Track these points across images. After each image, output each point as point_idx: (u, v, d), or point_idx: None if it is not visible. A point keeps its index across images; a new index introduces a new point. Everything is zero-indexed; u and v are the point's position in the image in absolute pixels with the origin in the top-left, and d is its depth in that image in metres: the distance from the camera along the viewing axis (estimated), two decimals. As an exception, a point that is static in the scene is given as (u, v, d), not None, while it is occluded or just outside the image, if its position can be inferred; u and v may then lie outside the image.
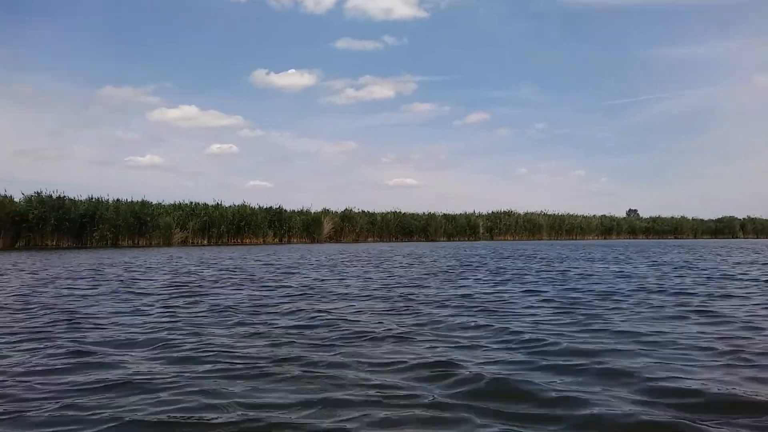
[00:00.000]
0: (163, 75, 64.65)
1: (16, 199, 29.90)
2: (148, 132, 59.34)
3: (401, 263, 15.22)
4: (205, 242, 36.83)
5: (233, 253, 22.28)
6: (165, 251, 25.78)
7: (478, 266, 13.69)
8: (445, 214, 53.44)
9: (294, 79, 61.75)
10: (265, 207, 41.07)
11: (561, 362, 3.64)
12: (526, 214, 59.07)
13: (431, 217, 52.11)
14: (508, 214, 58.10)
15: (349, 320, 5.42)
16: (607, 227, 65.88)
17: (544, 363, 3.63)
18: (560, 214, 61.78)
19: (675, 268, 12.54)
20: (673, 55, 69.31)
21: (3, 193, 29.62)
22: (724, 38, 68.87)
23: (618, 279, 9.82)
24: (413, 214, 51.42)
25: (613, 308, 6.15)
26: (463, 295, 7.41)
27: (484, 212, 57.57)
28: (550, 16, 69.33)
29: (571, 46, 71.70)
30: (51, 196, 30.69)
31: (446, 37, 70.47)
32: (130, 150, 59.20)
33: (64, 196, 31.29)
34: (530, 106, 74.50)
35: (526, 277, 10.50)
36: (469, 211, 56.43)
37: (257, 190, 62.65)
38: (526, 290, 8.04)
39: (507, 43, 71.05)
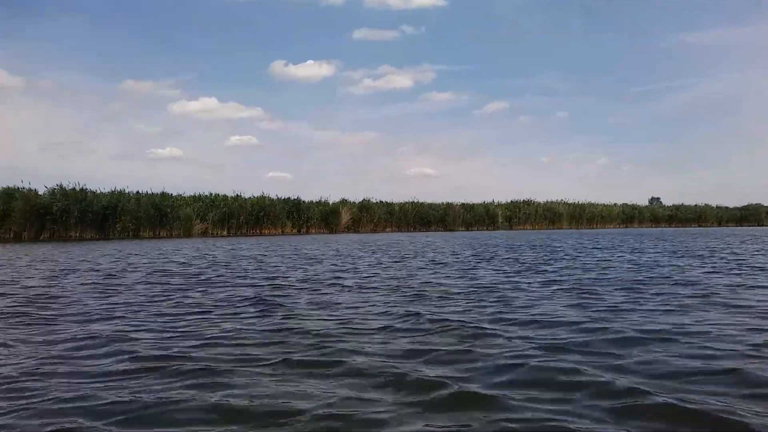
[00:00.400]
0: (184, 68, 65.18)
1: (40, 193, 30.56)
2: (169, 125, 60.06)
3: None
4: (225, 233, 37.22)
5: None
6: (190, 242, 26.12)
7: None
8: (463, 204, 53.29)
9: (312, 70, 61.81)
10: (283, 198, 41.36)
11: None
12: (545, 203, 58.57)
13: (449, 206, 51.96)
14: (528, 203, 57.65)
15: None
16: (628, 216, 64.98)
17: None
18: (581, 202, 61.16)
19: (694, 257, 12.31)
20: (698, 41, 67.78)
21: (27, 187, 30.35)
22: (750, 24, 67.02)
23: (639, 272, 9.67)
24: (431, 203, 51.36)
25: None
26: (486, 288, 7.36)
27: (503, 201, 57.26)
28: (571, 2, 68.20)
29: (593, 32, 70.48)
30: (74, 189, 31.29)
31: (465, 25, 69.78)
32: (151, 143, 59.98)
33: (87, 189, 31.88)
34: (552, 94, 73.60)
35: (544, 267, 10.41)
36: (488, 200, 56.19)
37: (276, 181, 63.08)
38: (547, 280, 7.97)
39: (527, 31, 70.14)
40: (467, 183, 74.55)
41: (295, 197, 42.11)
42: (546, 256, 12.80)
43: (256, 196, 39.99)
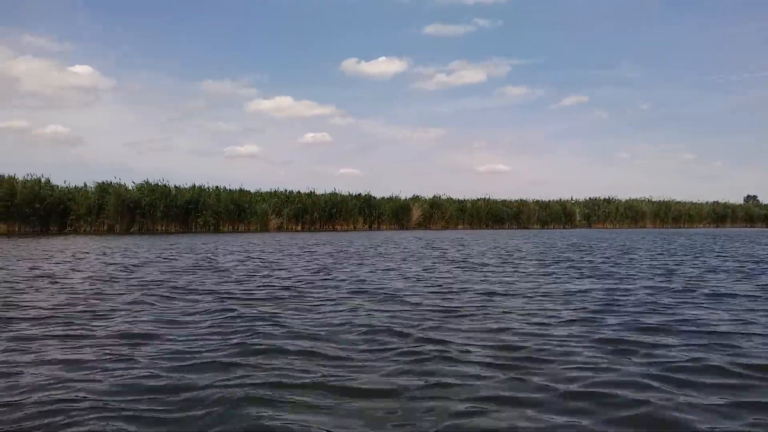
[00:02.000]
0: (259, 67, 67.39)
1: (129, 188, 32.61)
2: (246, 123, 62.35)
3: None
4: (299, 228, 38.19)
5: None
6: (272, 236, 27.05)
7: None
8: (537, 201, 51.76)
9: (384, 66, 62.15)
10: (355, 194, 41.86)
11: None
12: (627, 200, 55.80)
13: (523, 204, 50.66)
14: (608, 200, 55.18)
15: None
16: (720, 214, 60.64)
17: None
18: (666, 200, 57.76)
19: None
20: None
21: (118, 182, 32.49)
22: None
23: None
24: (504, 200, 50.26)
25: None
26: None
27: (581, 199, 55.11)
28: (654, -13, 64.38)
29: (674, 19, 66.29)
30: (159, 184, 33.18)
31: (540, 17, 67.73)
32: (229, 140, 62.53)
33: (170, 185, 33.72)
34: (632, 85, 69.98)
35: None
36: (565, 197, 54.28)
37: (348, 178, 63.93)
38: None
39: (604, 21, 67.06)
40: (542, 179, 72.31)
41: (367, 193, 42.54)
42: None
43: (328, 192, 40.77)
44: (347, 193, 41.48)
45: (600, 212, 53.75)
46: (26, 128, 50.39)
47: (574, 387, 2.97)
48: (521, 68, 67.20)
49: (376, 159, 67.72)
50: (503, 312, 5.19)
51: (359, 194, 42.08)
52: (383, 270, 9.35)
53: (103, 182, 32.21)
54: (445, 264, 10.57)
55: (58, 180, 31.98)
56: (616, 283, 7.32)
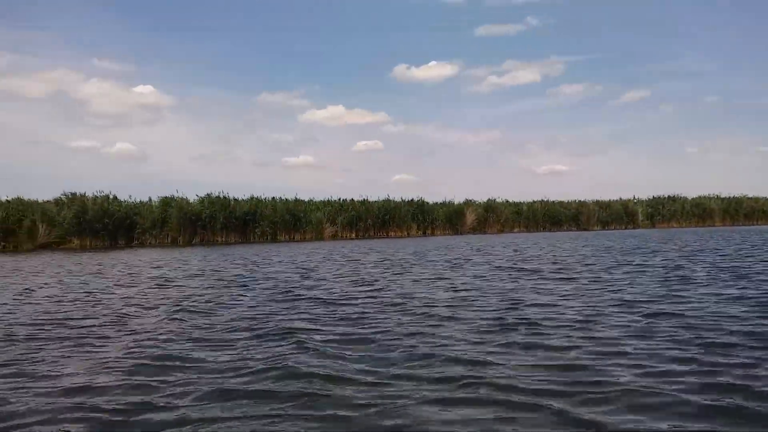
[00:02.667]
0: (312, 78, 68.73)
1: (191, 200, 33.96)
2: (301, 133, 63.60)
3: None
4: (353, 236, 38.59)
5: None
6: (328, 244, 27.50)
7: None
8: (597, 201, 50.15)
9: (435, 71, 61.94)
10: (407, 200, 41.91)
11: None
12: (694, 198, 53.17)
13: (582, 205, 49.23)
14: (673, 198, 52.76)
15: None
16: (798, 210, 56.72)
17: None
18: (737, 196, 54.60)
19: None
20: None
21: (181, 196, 33.90)
22: None
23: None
24: (562, 202, 49.06)
25: None
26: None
27: (644, 198, 52.99)
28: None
29: (741, 6, 62.65)
30: (219, 197, 34.37)
31: (595, 11, 65.68)
32: (285, 150, 63.92)
33: (229, 197, 34.85)
34: (698, 77, 66.57)
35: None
36: (628, 197, 52.33)
37: (401, 184, 63.96)
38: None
39: (665, 11, 64.26)
40: (603, 179, 69.85)
41: (420, 199, 42.51)
42: None
43: (381, 199, 41.00)
44: (400, 200, 41.64)
45: (665, 211, 51.47)
46: (96, 147, 53.44)
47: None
48: (576, 65, 65.56)
49: (429, 164, 67.49)
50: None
51: (412, 200, 42.12)
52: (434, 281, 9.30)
53: (167, 196, 33.73)
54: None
55: (125, 195, 33.75)
56: None
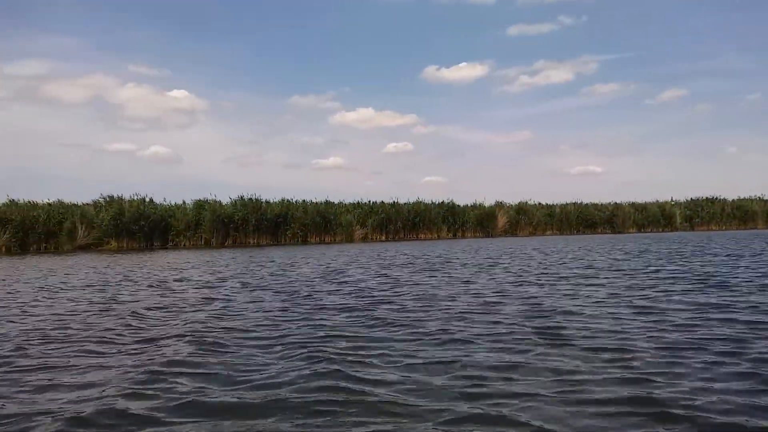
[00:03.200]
0: (342, 81, 68.88)
1: (224, 203, 34.47)
2: (331, 135, 63.91)
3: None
4: (383, 238, 38.57)
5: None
6: (359, 246, 27.57)
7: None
8: (632, 203, 49.03)
9: (465, 72, 61.44)
10: (438, 202, 41.72)
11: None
12: (734, 200, 51.46)
13: (617, 207, 48.20)
14: (712, 200, 51.18)
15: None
16: None
17: None
18: (781, 198, 52.61)
19: None
20: None
21: (214, 199, 34.44)
22: None
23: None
24: (596, 204, 48.11)
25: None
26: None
27: (681, 200, 51.53)
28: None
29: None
30: (251, 199, 34.79)
31: (628, 9, 64.13)
32: (315, 153, 64.26)
33: (261, 199, 35.24)
34: (738, 75, 64.30)
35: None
36: (664, 198, 51.00)
37: (431, 186, 63.57)
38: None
39: (702, 8, 62.34)
40: (638, 180, 68.12)
41: (450, 201, 42.25)
42: None
43: (412, 201, 40.90)
44: (430, 202, 41.45)
45: (703, 213, 49.97)
46: (132, 150, 54.63)
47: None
48: (610, 64, 63.97)
49: (460, 166, 67.00)
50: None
51: (442, 202, 41.91)
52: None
53: (200, 199, 34.32)
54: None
55: (160, 198, 34.46)
56: None
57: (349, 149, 64.29)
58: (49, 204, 31.63)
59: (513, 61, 69.37)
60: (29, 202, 31.44)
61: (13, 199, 31.08)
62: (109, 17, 56.82)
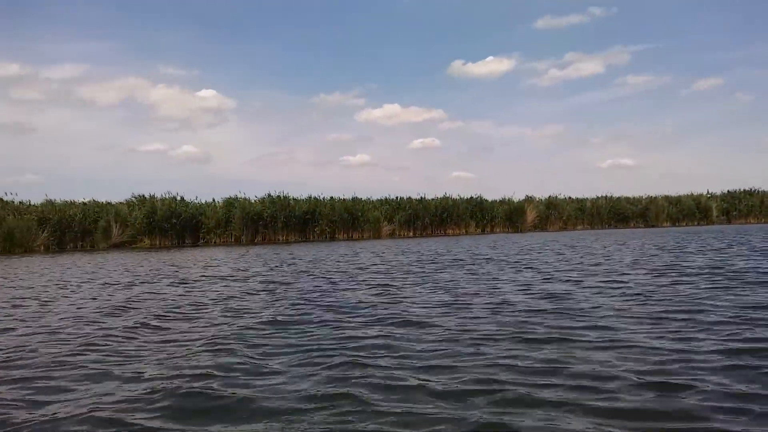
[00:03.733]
0: (367, 78, 68.84)
1: (252, 201, 34.87)
2: (358, 132, 64.03)
3: None
4: (411, 234, 38.48)
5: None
6: (388, 242, 27.61)
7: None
8: (666, 196, 47.83)
9: (492, 66, 60.78)
10: (466, 198, 41.42)
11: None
12: (774, 192, 49.70)
13: (651, 200, 47.10)
14: (750, 193, 49.58)
15: None
16: None
17: None
18: (825, 189, 50.58)
19: None
20: None
21: (243, 196, 34.88)
22: None
23: None
24: (628, 197, 47.12)
25: None
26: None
27: (717, 192, 50.09)
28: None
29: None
30: (279, 197, 35.10)
31: (661, -2, 62.43)
32: (342, 150, 64.44)
33: (289, 196, 35.53)
34: (776, 63, 62.05)
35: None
36: (699, 191, 49.61)
37: (459, 181, 63.14)
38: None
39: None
40: (673, 173, 66.40)
41: (478, 196, 41.90)
42: None
43: (439, 197, 40.69)
44: (458, 197, 41.17)
45: (742, 206, 48.43)
46: (164, 150, 55.72)
47: None
48: (643, 55, 62.40)
49: (488, 161, 66.32)
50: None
51: (470, 197, 41.59)
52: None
53: (230, 197, 34.80)
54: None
55: (191, 196, 35.05)
56: None
57: (376, 146, 64.32)
58: (85, 203, 32.51)
59: (541, 54, 68.40)
60: (66, 201, 32.37)
61: (50, 199, 32.05)
62: (140, 19, 57.95)
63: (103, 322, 5.87)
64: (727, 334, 4.33)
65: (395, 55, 66.86)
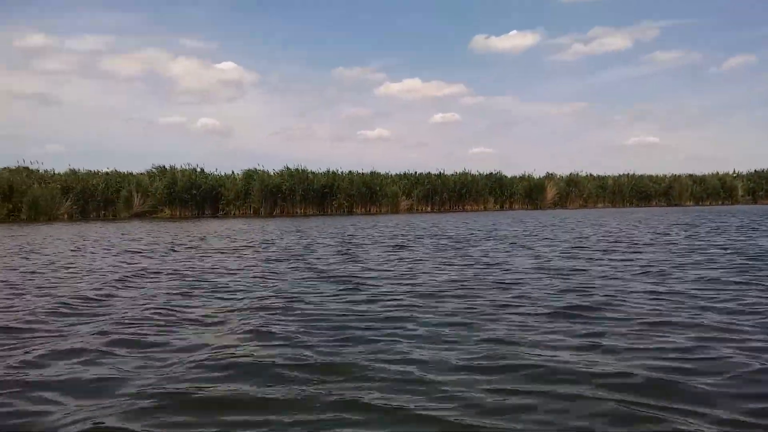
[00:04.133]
0: (388, 51, 68.08)
1: (271, 173, 34.98)
2: (376, 107, 63.62)
3: None
4: (429, 209, 38.37)
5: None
6: (403, 217, 27.59)
7: None
8: (690, 175, 46.88)
9: (515, 40, 59.64)
10: (485, 174, 41.03)
11: None
12: (804, 172, 48.36)
13: (675, 179, 46.20)
14: (778, 172, 48.33)
15: None
16: None
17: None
18: None
19: None
20: None
21: (262, 169, 34.98)
22: None
23: None
24: (651, 176, 46.27)
25: None
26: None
27: (744, 172, 48.94)
28: None
29: None
30: (297, 170, 35.14)
31: (694, -31, 60.23)
32: (361, 124, 64.18)
33: (307, 170, 35.55)
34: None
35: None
36: (725, 171, 48.50)
37: (480, 157, 62.52)
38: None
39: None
40: (700, 153, 64.92)
41: (498, 172, 41.49)
42: None
43: (458, 172, 40.37)
44: (477, 173, 40.82)
45: (768, 186, 47.29)
46: (184, 123, 56.04)
47: None
48: (671, 31, 60.70)
49: (510, 137, 65.55)
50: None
51: (490, 173, 41.20)
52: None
53: (249, 169, 34.94)
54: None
55: (211, 168, 35.27)
56: None
57: (395, 121, 63.92)
58: (107, 173, 32.92)
59: (566, 29, 66.99)
60: (89, 171, 32.80)
61: (73, 169, 32.49)
62: (161, -9, 57.80)
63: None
64: None
65: (417, 29, 65.92)
